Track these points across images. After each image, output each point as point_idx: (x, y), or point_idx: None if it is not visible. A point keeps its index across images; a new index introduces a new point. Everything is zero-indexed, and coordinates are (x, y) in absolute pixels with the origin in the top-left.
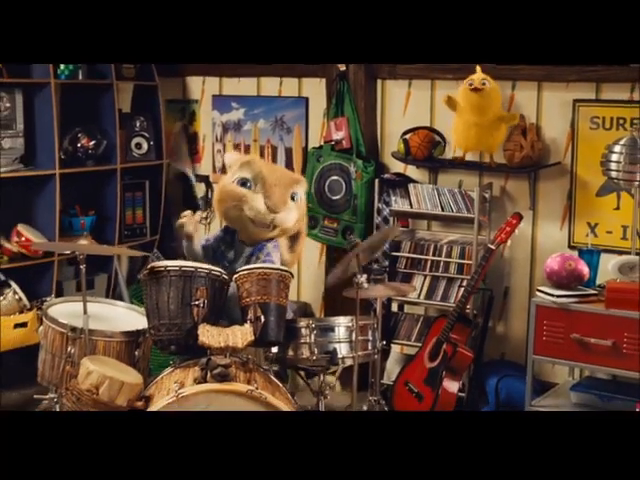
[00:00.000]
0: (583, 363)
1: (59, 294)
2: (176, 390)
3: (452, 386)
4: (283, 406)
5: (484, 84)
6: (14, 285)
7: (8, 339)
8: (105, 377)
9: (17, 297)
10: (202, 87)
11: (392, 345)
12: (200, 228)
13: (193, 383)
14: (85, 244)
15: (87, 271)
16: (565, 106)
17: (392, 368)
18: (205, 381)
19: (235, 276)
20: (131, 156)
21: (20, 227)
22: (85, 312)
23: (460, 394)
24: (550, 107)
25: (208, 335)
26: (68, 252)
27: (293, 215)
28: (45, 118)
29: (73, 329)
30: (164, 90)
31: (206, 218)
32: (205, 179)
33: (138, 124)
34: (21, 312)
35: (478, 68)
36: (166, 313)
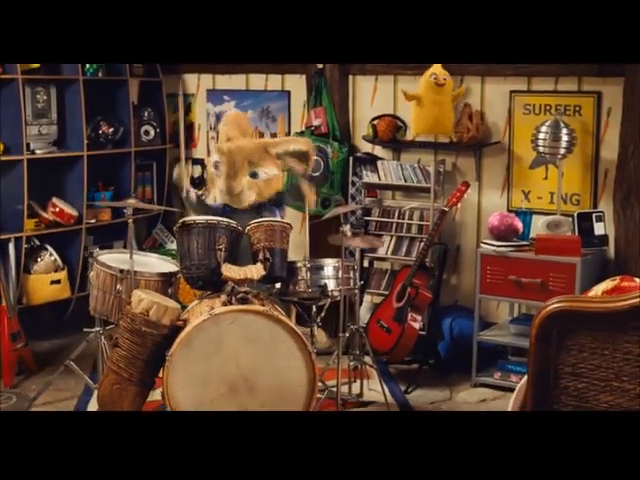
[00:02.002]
0: (518, 299)
1: (85, 257)
2: (209, 311)
3: (415, 322)
4: (290, 322)
5: (445, 79)
6: (50, 248)
7: (45, 293)
8: (153, 303)
9: (53, 258)
10: (197, 83)
11: (364, 295)
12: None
13: (221, 305)
14: (137, 202)
15: (106, 239)
16: (503, 96)
17: (364, 314)
18: (230, 304)
19: (248, 227)
20: (141, 141)
21: (55, 200)
22: (131, 257)
23: (421, 332)
24: (491, 97)
25: (230, 271)
26: (93, 221)
27: (251, 195)
28: (74, 108)
29: (121, 271)
30: (165, 85)
31: (202, 195)
32: (201, 162)
33: (146, 114)
34: (56, 271)
35: (438, 65)
36: (195, 256)
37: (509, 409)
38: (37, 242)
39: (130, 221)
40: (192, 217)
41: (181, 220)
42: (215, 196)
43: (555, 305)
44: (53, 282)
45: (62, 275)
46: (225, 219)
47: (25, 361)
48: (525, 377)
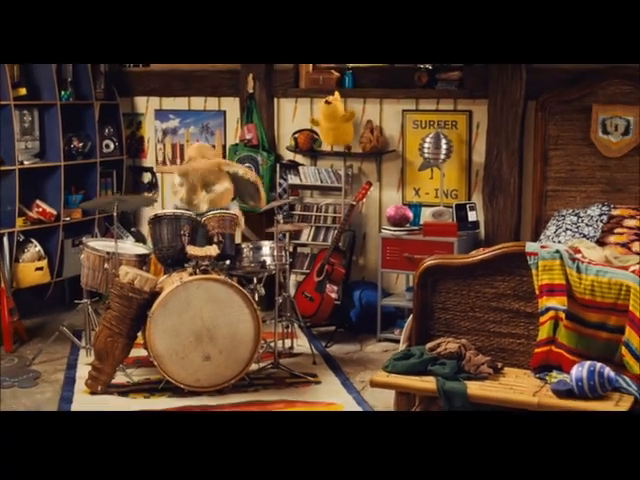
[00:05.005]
0: (411, 271)
1: (62, 248)
2: (179, 280)
3: (332, 292)
4: (240, 287)
5: (331, 99)
6: (35, 241)
7: (30, 278)
8: (137, 274)
9: (37, 249)
10: (147, 104)
11: (291, 274)
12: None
13: (188, 275)
14: (121, 197)
15: (76, 234)
16: (397, 114)
17: (291, 290)
18: (196, 274)
19: (204, 218)
20: (103, 154)
21: (38, 201)
22: (116, 242)
23: (337, 302)
24: (388, 115)
25: (194, 250)
26: (68, 219)
27: (204, 206)
28: (53, 127)
29: (108, 253)
30: (121, 106)
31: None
32: (150, 170)
33: (107, 131)
34: (39, 260)
35: (336, 92)
36: (166, 239)
37: (400, 340)
38: (22, 236)
39: (115, 214)
40: (162, 211)
41: (153, 213)
42: (176, 203)
43: (430, 262)
44: (37, 269)
45: (44, 263)
46: (187, 212)
47: (18, 332)
48: (411, 316)
